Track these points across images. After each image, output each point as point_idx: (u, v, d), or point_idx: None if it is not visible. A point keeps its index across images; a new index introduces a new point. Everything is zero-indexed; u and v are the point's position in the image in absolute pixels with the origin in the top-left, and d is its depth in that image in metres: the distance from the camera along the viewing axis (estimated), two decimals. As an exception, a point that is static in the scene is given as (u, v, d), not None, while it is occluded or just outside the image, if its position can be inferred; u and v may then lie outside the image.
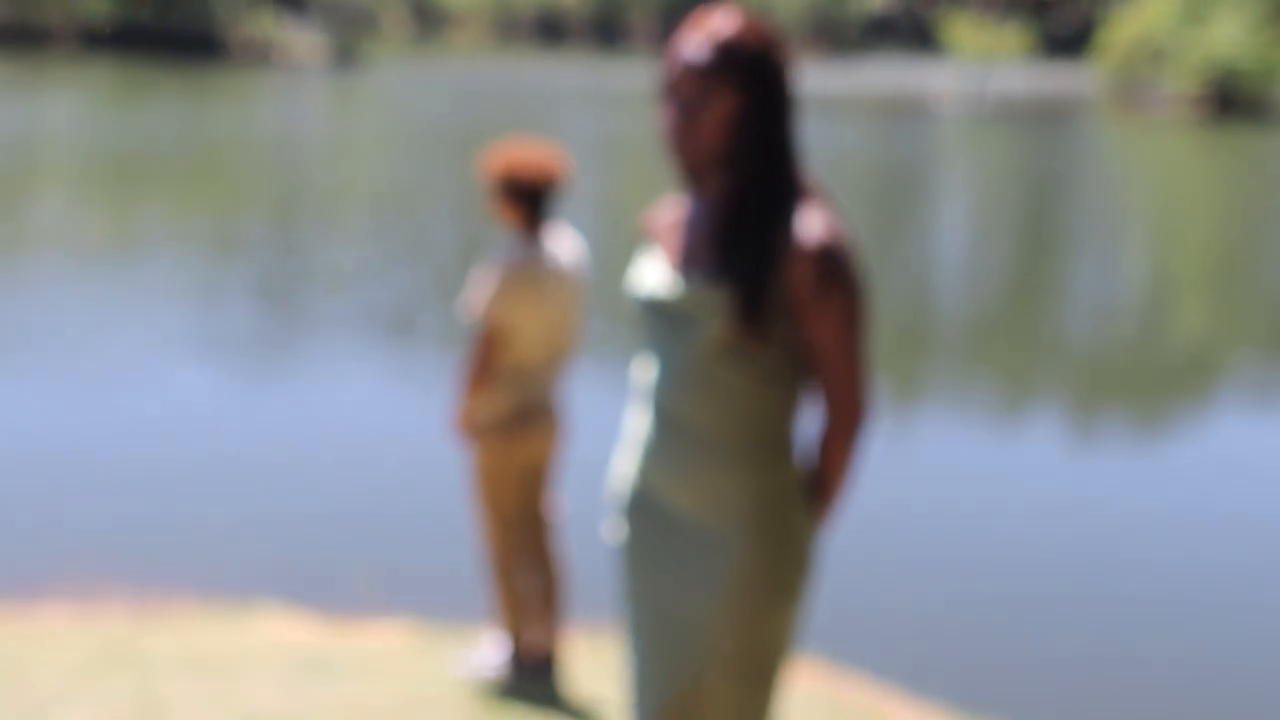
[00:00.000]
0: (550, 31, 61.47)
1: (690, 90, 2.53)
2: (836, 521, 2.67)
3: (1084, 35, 53.21)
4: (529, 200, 4.18)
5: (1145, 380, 11.06)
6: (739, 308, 2.50)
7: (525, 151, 4.22)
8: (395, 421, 8.22)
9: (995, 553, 6.73)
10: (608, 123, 28.72)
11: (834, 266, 2.49)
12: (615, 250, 14.28)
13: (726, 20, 2.55)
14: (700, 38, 2.54)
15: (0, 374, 8.88)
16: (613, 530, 2.75)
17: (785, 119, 2.56)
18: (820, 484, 2.61)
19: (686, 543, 2.59)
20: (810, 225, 2.51)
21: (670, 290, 2.58)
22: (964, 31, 47.95)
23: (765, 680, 2.59)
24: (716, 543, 2.56)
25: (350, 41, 47.53)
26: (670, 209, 2.72)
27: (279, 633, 4.96)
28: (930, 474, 7.84)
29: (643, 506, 2.66)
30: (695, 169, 2.58)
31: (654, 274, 2.63)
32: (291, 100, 32.56)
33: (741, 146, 2.54)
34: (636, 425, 2.68)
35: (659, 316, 2.60)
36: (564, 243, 4.32)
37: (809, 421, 2.61)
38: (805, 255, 2.49)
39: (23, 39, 41.50)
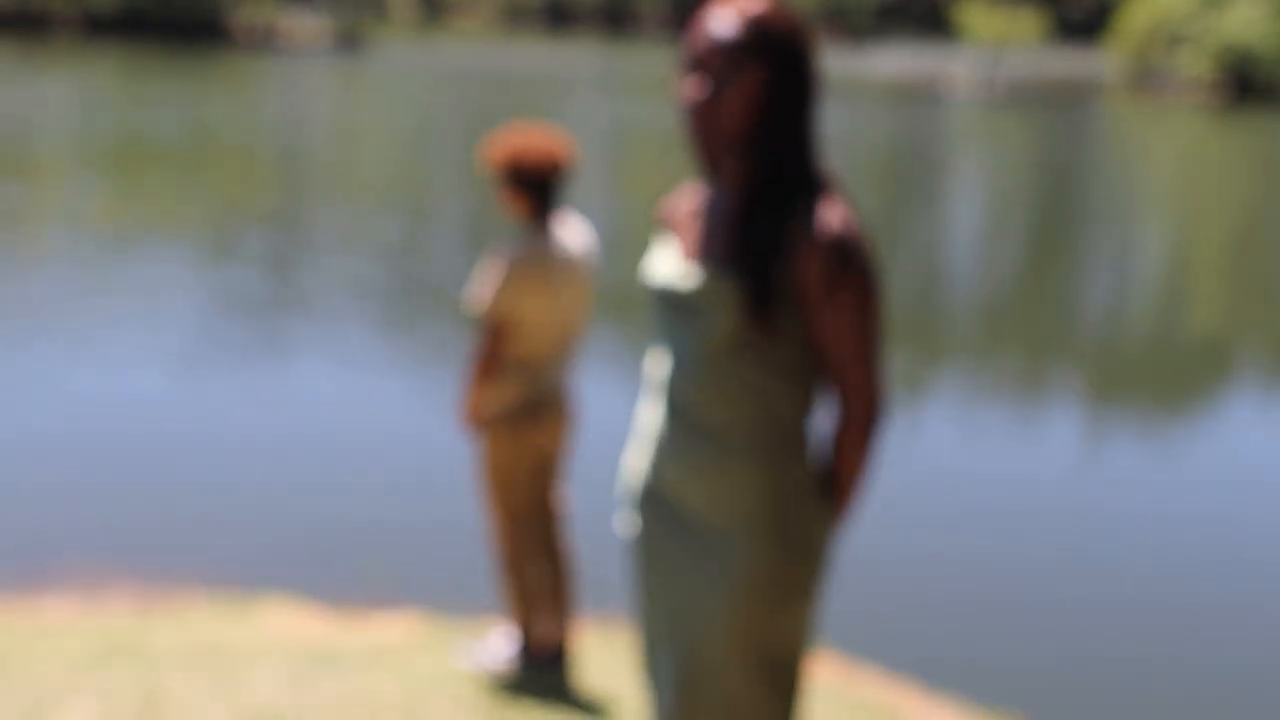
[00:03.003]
0: (558, 17, 61.19)
1: (718, 66, 2.47)
2: (853, 517, 2.62)
3: (1099, 20, 52.99)
4: (535, 189, 4.11)
5: (1161, 373, 10.98)
6: (749, 300, 2.44)
7: (529, 139, 4.14)
8: (403, 413, 8.17)
9: (1010, 549, 6.67)
10: (617, 110, 28.64)
11: (846, 262, 2.43)
12: (625, 239, 14.22)
13: (755, 0, 2.51)
14: (731, 14, 2.49)
15: (0, 364, 8.84)
16: (625, 524, 2.71)
17: (808, 106, 2.51)
18: (835, 483, 2.56)
19: (697, 538, 2.54)
20: (824, 219, 2.45)
21: (683, 280, 2.53)
22: (978, 16, 47.78)
23: (781, 678, 2.54)
24: (727, 539, 2.51)
25: (355, 27, 47.44)
26: (688, 197, 2.67)
27: (285, 626, 4.92)
28: (944, 468, 7.78)
29: (654, 501, 2.61)
30: (715, 150, 2.52)
31: (669, 263, 2.59)
32: (295, 86, 32.48)
33: (763, 129, 2.48)
34: (649, 418, 2.64)
35: (672, 307, 2.55)
36: (572, 231, 4.25)
37: (824, 419, 2.56)
38: (817, 250, 2.43)
39: (26, 25, 41.50)
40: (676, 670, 2.57)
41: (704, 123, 2.50)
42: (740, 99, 2.47)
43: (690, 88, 2.52)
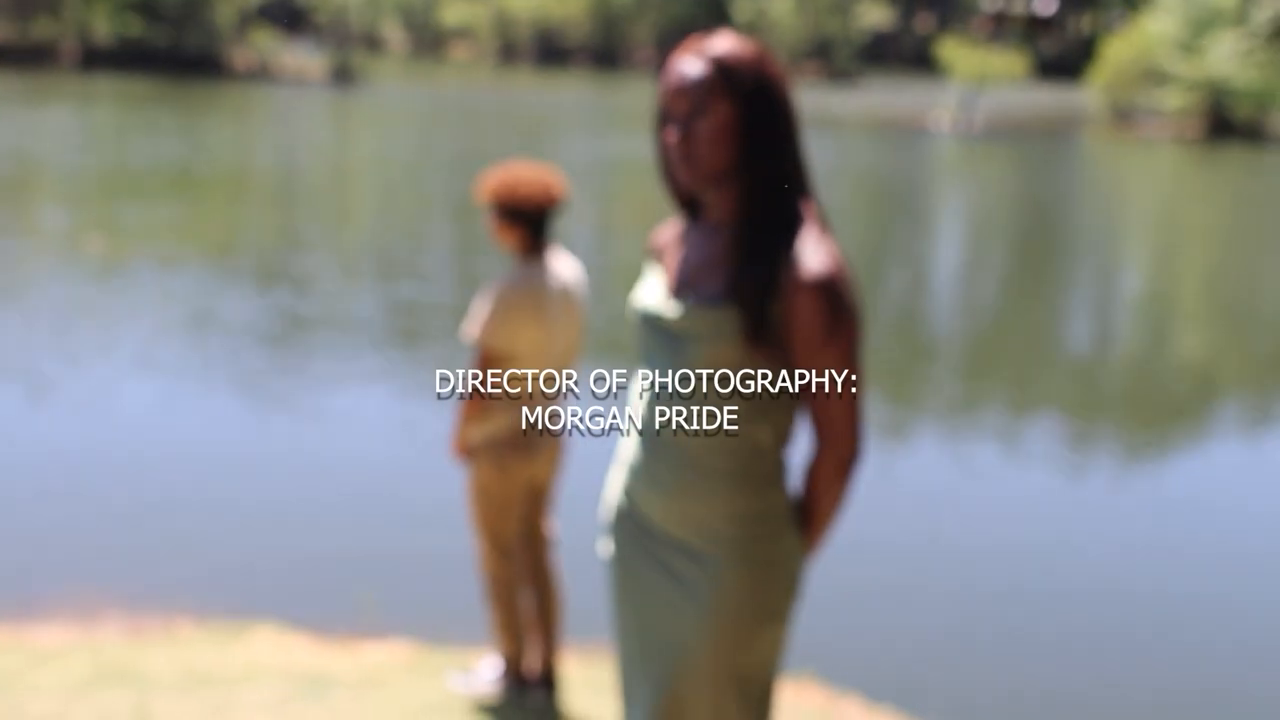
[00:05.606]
0: (550, 52, 61.33)
1: (686, 105, 2.54)
2: (828, 546, 2.67)
3: (1080, 57, 53.35)
4: (527, 222, 4.19)
5: (1142, 407, 11.06)
6: (738, 332, 2.50)
7: (522, 174, 4.23)
8: (394, 442, 8.21)
9: (990, 579, 6.73)
10: (607, 144, 28.74)
11: (834, 306, 2.47)
12: (615, 273, 14.29)
13: (718, 39, 2.58)
14: (693, 55, 2.57)
15: (-3, 391, 8.87)
16: (603, 547, 2.77)
17: (785, 136, 2.55)
18: (809, 517, 2.61)
19: (672, 562, 2.60)
20: (814, 258, 2.49)
21: (669, 310, 2.58)
22: (961, 53, 48.06)
23: (750, 701, 2.60)
24: (700, 564, 2.56)
25: (349, 60, 47.57)
26: (674, 228, 2.73)
27: (275, 652, 4.96)
28: (925, 498, 7.84)
29: (631, 525, 2.67)
30: (692, 189, 2.58)
31: (656, 291, 2.64)
32: (290, 119, 32.56)
33: (740, 162, 2.53)
34: (628, 443, 2.69)
35: (657, 335, 2.60)
36: (563, 264, 4.33)
37: (800, 452, 2.61)
38: (808, 290, 2.47)
39: (27, 57, 41.61)
40: (653, 694, 2.61)
41: (679, 164, 2.55)
42: (712, 132, 2.52)
43: (663, 135, 2.58)
